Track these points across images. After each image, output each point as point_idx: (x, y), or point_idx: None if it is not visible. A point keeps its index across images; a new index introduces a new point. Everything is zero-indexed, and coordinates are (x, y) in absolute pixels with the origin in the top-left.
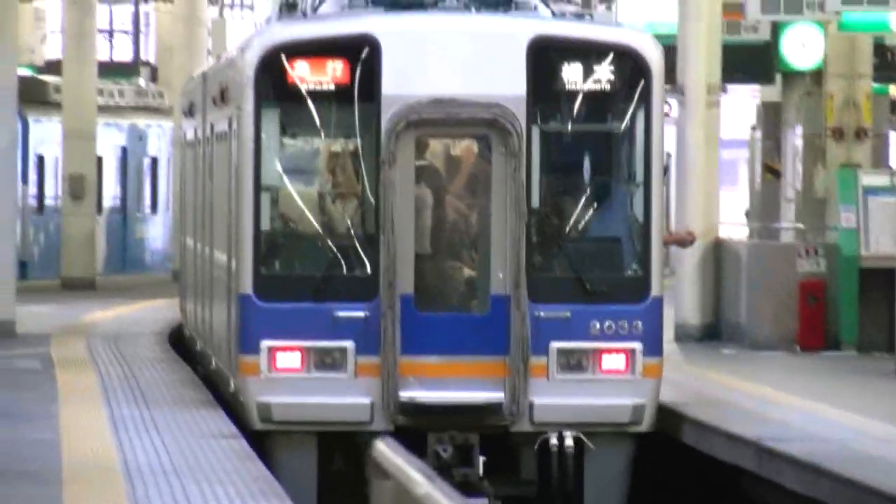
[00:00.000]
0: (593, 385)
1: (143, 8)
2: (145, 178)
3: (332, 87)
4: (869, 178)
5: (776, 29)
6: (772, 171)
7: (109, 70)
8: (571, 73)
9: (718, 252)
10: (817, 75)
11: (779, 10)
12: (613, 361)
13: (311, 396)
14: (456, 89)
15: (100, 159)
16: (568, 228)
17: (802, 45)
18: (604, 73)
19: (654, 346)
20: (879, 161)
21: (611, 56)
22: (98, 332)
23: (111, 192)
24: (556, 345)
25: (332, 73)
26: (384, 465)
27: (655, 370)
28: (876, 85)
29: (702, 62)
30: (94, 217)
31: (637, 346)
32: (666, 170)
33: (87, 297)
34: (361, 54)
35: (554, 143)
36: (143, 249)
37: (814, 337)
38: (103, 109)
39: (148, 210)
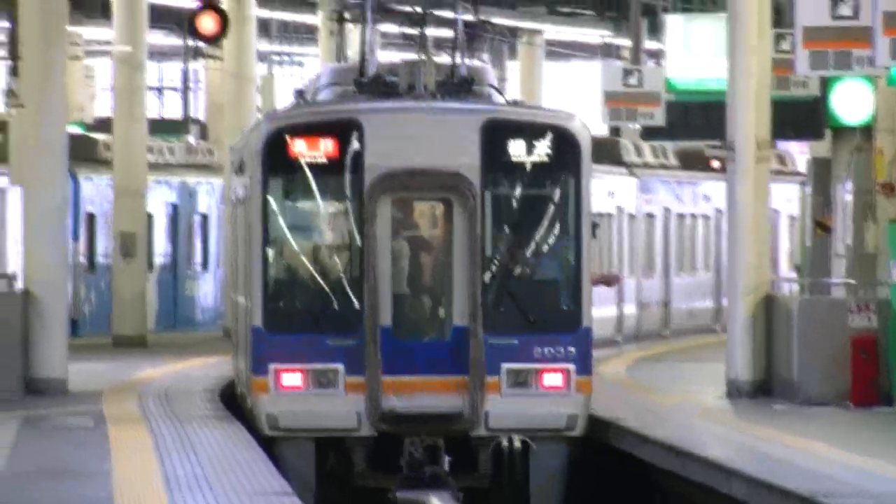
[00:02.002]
0: (536, 398)
1: (192, 65)
2: (196, 236)
3: (324, 160)
4: None
5: (825, 84)
6: (823, 227)
7: (159, 127)
8: (516, 148)
9: (770, 308)
10: (867, 130)
11: (828, 65)
12: (552, 379)
13: (310, 408)
14: (424, 161)
15: (150, 217)
16: (514, 273)
17: (852, 101)
18: (542, 147)
19: (584, 367)
20: None
21: (547, 134)
22: (150, 390)
23: (162, 250)
24: (506, 366)
25: (325, 148)
26: None
27: (586, 386)
28: None
29: (751, 118)
30: (145, 274)
31: (571, 366)
32: (595, 226)
33: (138, 354)
34: (348, 134)
35: (502, 204)
36: (193, 306)
37: (866, 393)
38: (153, 167)
39: (198, 267)
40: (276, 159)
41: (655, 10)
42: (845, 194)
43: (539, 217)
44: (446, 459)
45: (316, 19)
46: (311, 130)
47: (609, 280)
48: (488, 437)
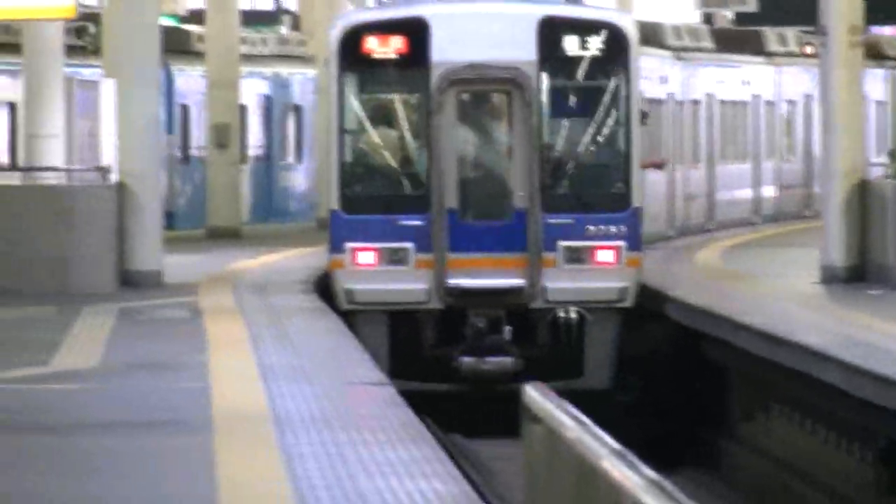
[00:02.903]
0: (590, 273)
1: None
2: (289, 127)
3: (394, 55)
4: None
5: None
6: None
7: (252, 19)
8: (570, 43)
9: (864, 193)
10: None
11: None
12: (605, 255)
13: (383, 284)
14: (485, 56)
15: (243, 108)
16: (569, 158)
17: None
18: (594, 43)
19: (634, 244)
20: None
21: (598, 30)
22: (244, 281)
23: (255, 141)
24: (562, 243)
25: (394, 45)
26: (535, 410)
27: (636, 262)
28: None
29: (844, 2)
30: (239, 166)
31: (622, 244)
32: (644, 115)
33: (232, 245)
34: (416, 32)
35: (557, 96)
36: (287, 198)
37: None
38: (246, 58)
39: (292, 158)
40: (350, 55)
41: None
42: None
43: (591, 106)
44: (507, 330)
45: None
46: (382, 29)
47: (658, 164)
48: (546, 309)
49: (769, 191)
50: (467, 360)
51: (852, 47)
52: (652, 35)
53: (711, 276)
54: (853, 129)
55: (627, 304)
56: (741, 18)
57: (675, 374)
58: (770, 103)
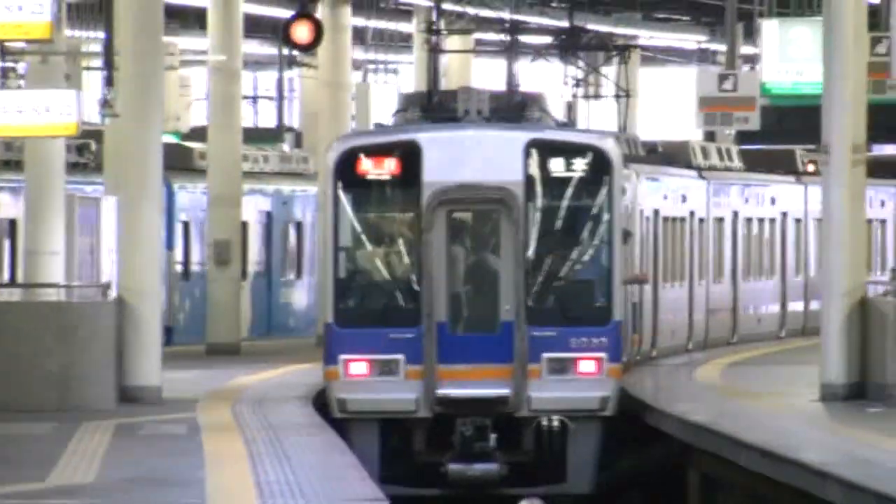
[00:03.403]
0: (573, 383)
1: (287, 74)
2: (290, 243)
3: (388, 176)
4: None
5: None
6: None
7: (254, 136)
8: (555, 165)
9: (864, 311)
10: None
11: None
12: (587, 366)
13: (374, 394)
14: (474, 177)
15: (244, 225)
16: (553, 274)
17: None
18: (578, 164)
19: (616, 355)
20: None
21: (582, 153)
22: (244, 398)
23: (256, 258)
24: (546, 355)
25: (388, 166)
26: None
27: (617, 372)
28: None
29: (847, 122)
30: (240, 282)
31: (604, 355)
32: (627, 234)
33: (232, 362)
34: (408, 154)
35: (543, 215)
36: (287, 314)
37: None
38: (248, 175)
39: (292, 275)
40: (346, 175)
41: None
42: None
43: (575, 225)
44: (493, 437)
45: (411, 27)
46: (376, 151)
47: (641, 279)
48: (530, 418)
49: (797, 305)
50: (455, 467)
51: (854, 165)
52: (682, 154)
53: (713, 392)
54: (855, 246)
55: (608, 412)
56: (743, 136)
57: (675, 491)
58: (798, 220)
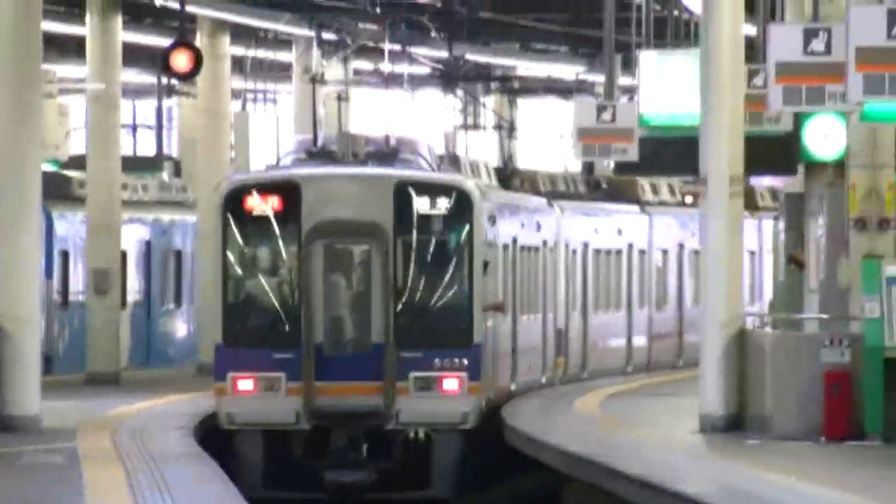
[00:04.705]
0: (437, 399)
1: (166, 103)
2: (169, 272)
3: (270, 212)
4: (892, 269)
5: (798, 120)
6: (796, 263)
7: (133, 164)
8: (421, 204)
9: (742, 343)
10: (840, 166)
11: (800, 101)
12: (449, 384)
13: (259, 407)
14: (348, 214)
15: (124, 253)
16: (420, 301)
17: (825, 136)
18: (442, 203)
19: (475, 374)
20: None
21: (446, 192)
22: (124, 427)
23: (135, 286)
24: (413, 374)
25: (271, 203)
26: None
27: (477, 389)
28: None
29: (724, 153)
30: (119, 311)
31: (465, 374)
32: (486, 264)
33: (112, 391)
34: (289, 193)
35: (410, 248)
36: (167, 343)
37: (839, 427)
38: (127, 204)
39: (172, 304)
40: (233, 211)
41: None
42: (818, 229)
43: (440, 257)
44: (365, 447)
45: (290, 57)
46: (260, 189)
47: (499, 307)
48: (399, 430)
49: (640, 340)
50: (331, 474)
51: (732, 198)
52: (530, 181)
53: (591, 424)
54: (732, 278)
55: (468, 426)
56: (621, 168)
57: None
58: (642, 252)
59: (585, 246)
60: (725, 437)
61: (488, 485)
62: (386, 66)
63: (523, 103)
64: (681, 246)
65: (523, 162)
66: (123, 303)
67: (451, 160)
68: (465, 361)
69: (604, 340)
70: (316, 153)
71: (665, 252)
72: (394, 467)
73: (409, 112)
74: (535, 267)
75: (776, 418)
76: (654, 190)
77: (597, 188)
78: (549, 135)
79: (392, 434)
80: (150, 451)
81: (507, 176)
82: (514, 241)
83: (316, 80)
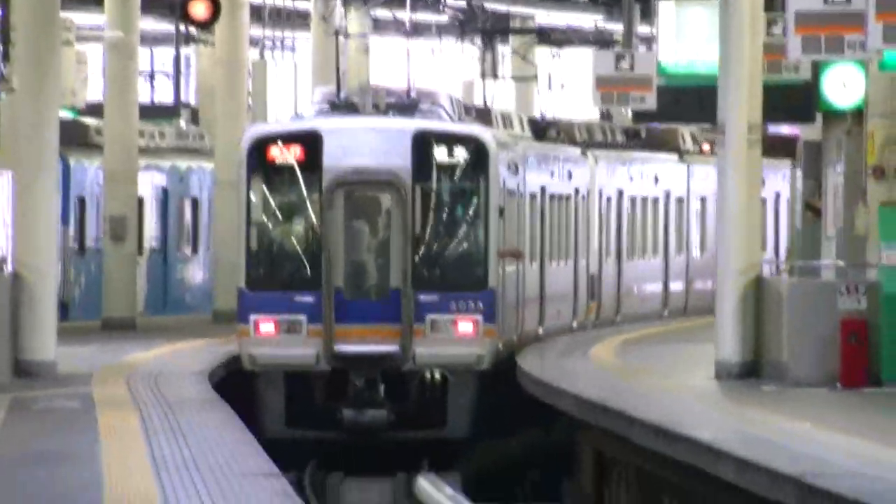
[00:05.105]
0: (452, 341)
1: (183, 51)
2: (185, 219)
3: (293, 162)
4: None
5: (817, 69)
6: (813, 210)
7: (150, 112)
8: (439, 153)
9: (759, 290)
10: (858, 115)
11: (820, 50)
12: (465, 327)
13: (280, 349)
14: (368, 163)
15: (141, 200)
16: (436, 246)
17: (843, 85)
18: (459, 152)
19: (490, 318)
20: None
21: (463, 142)
22: (139, 373)
23: (152, 234)
24: (429, 316)
25: (294, 153)
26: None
27: (492, 332)
28: None
29: (743, 102)
30: (135, 258)
31: (479, 317)
32: (501, 211)
33: (127, 337)
34: (311, 143)
35: (428, 195)
36: (183, 290)
37: (855, 374)
38: (144, 151)
39: (188, 251)
40: (256, 161)
41: None
42: (836, 177)
43: (456, 204)
44: (382, 388)
45: (308, 5)
46: (283, 140)
47: (516, 253)
48: (415, 371)
49: (677, 285)
50: (349, 413)
51: (750, 146)
52: (566, 132)
53: (608, 371)
54: (750, 226)
55: (483, 367)
56: (638, 117)
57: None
58: (680, 199)
59: (620, 194)
60: (741, 383)
61: (505, 428)
62: (406, 15)
63: (542, 52)
64: None
65: (553, 112)
66: (140, 249)
67: (482, 112)
68: (481, 304)
69: (639, 285)
70: (339, 105)
71: (703, 200)
72: (410, 408)
73: (430, 62)
74: (565, 215)
75: (792, 365)
76: (695, 140)
77: (636, 137)
78: (571, 84)
79: (409, 375)
80: (165, 396)
81: (543, 127)
82: (543, 190)
83: (339, 32)
